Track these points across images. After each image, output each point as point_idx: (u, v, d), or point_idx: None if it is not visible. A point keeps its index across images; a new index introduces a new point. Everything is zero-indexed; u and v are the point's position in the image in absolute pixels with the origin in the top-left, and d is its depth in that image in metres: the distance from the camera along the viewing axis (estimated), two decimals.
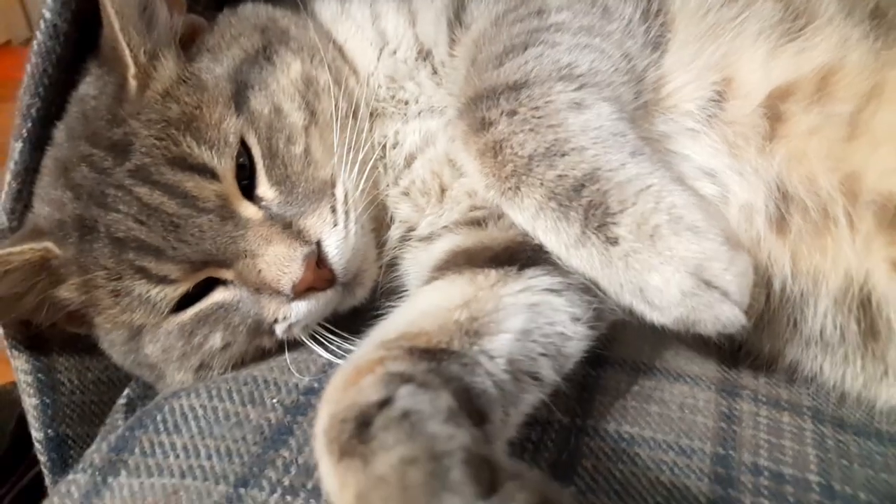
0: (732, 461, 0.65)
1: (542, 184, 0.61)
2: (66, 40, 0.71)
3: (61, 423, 0.76)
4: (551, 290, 0.64)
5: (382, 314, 0.69)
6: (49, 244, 0.69)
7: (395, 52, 0.82)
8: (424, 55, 0.82)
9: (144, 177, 0.66)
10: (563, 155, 0.61)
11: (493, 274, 0.65)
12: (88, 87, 0.72)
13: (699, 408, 0.71)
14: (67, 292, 0.71)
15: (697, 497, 0.61)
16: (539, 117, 0.63)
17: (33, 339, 0.76)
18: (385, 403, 0.46)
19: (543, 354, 0.61)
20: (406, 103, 0.81)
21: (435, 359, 0.55)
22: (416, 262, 0.77)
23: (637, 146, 0.63)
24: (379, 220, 0.79)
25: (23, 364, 0.75)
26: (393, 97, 0.81)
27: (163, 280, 0.68)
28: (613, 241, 0.58)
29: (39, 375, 0.75)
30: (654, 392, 0.72)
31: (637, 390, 0.72)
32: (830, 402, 0.74)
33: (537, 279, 0.65)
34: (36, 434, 0.75)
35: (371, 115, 0.80)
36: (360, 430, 0.45)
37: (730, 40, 0.75)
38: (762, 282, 0.73)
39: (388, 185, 0.79)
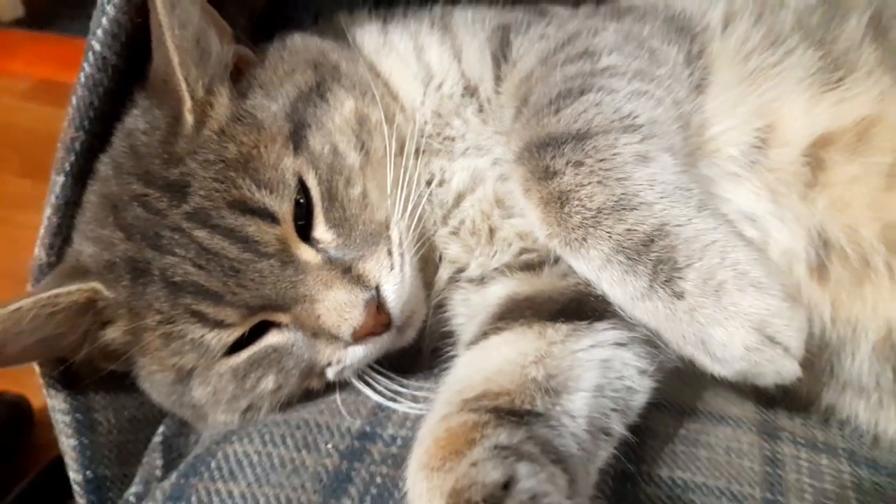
0: None
1: (609, 237, 0.61)
2: (114, 72, 0.68)
3: (99, 463, 0.74)
4: (619, 344, 0.65)
5: (437, 358, 0.69)
6: (97, 285, 0.67)
7: (440, 87, 0.81)
8: (471, 92, 0.81)
9: (203, 220, 0.65)
10: (631, 209, 0.61)
11: (563, 328, 0.65)
12: (137, 120, 0.70)
13: (744, 451, 0.72)
14: (114, 334, 0.69)
15: None
16: (607, 169, 0.63)
17: (70, 378, 0.73)
18: (508, 484, 0.46)
19: (614, 409, 0.62)
20: (453, 140, 0.80)
21: (524, 422, 0.55)
22: (466, 304, 0.77)
23: (702, 200, 0.63)
24: (427, 260, 0.78)
25: (60, 404, 0.72)
26: (439, 134, 0.80)
27: (219, 324, 0.66)
28: (679, 295, 0.59)
29: (77, 415, 0.73)
30: (700, 435, 0.73)
31: (684, 434, 0.73)
32: (864, 444, 0.76)
33: (606, 333, 0.65)
34: (74, 476, 0.73)
35: (417, 151, 0.79)
36: None
37: (773, 86, 0.77)
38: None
39: (436, 224, 0.78)
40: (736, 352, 0.58)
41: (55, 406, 0.73)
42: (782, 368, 0.59)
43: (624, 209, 0.61)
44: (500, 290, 0.74)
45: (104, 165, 0.71)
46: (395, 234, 0.71)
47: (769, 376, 0.60)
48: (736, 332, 0.58)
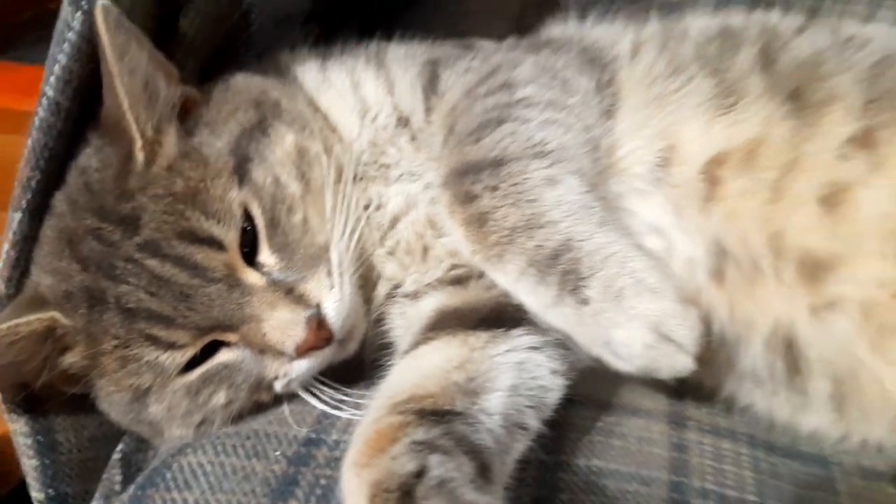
0: (685, 487, 0.75)
1: (522, 252, 0.68)
2: (66, 116, 0.74)
3: (61, 481, 0.78)
4: (533, 348, 0.73)
5: (378, 368, 0.76)
6: (55, 314, 0.72)
7: (375, 119, 0.89)
8: (403, 122, 0.88)
9: (154, 250, 0.70)
10: (540, 227, 0.69)
11: (483, 336, 0.73)
12: (90, 158, 0.75)
13: (654, 440, 0.80)
14: (72, 358, 0.74)
15: None
16: (519, 192, 0.70)
17: (31, 402, 0.78)
18: (421, 473, 0.54)
19: (529, 406, 0.70)
20: (388, 167, 0.87)
21: (444, 420, 0.63)
22: (403, 317, 0.84)
23: (603, 217, 0.71)
24: (366, 279, 0.85)
25: (22, 427, 0.77)
26: (375, 162, 0.87)
27: (172, 346, 0.72)
28: (584, 302, 0.66)
29: (38, 437, 0.77)
30: (615, 427, 0.81)
31: (601, 426, 0.81)
32: (761, 428, 0.86)
33: (521, 338, 0.73)
34: (36, 494, 0.77)
35: (355, 178, 0.86)
36: (404, 499, 0.52)
37: (673, 111, 0.85)
38: (704, 327, 0.83)
39: (373, 245, 0.85)
40: (636, 350, 0.66)
41: (17, 429, 0.77)
42: (677, 363, 0.67)
43: (534, 227, 0.69)
44: (432, 303, 0.81)
45: (59, 202, 0.75)
46: (334, 255, 0.77)
47: (666, 370, 0.67)
48: (635, 333, 0.65)
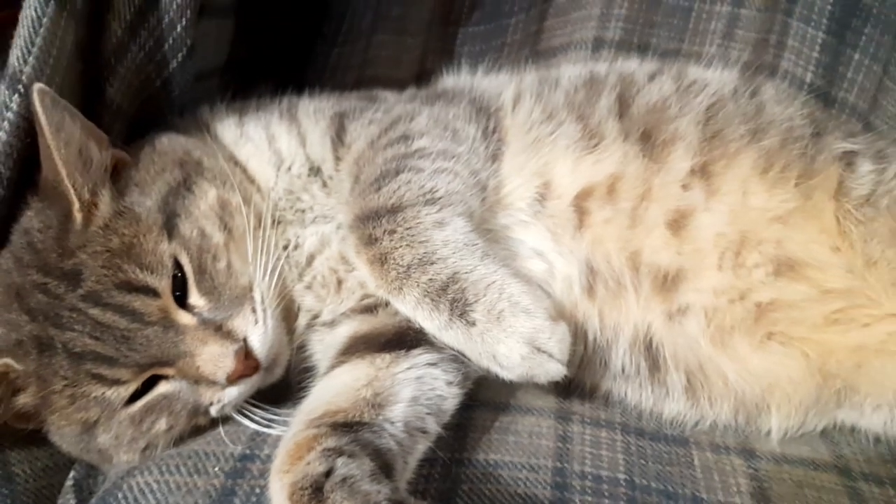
0: (566, 471, 0.89)
1: (418, 285, 0.81)
2: (9, 184, 0.83)
3: None
4: (430, 364, 0.86)
5: (302, 389, 0.88)
6: (8, 360, 0.80)
7: (290, 169, 1.00)
8: (315, 171, 1.00)
9: (96, 300, 0.79)
10: (431, 263, 0.82)
11: (387, 357, 0.85)
12: (32, 220, 0.84)
13: (543, 433, 0.94)
14: (25, 399, 0.82)
15: (543, 501, 0.85)
16: (412, 235, 0.83)
17: None
18: (329, 472, 0.66)
19: (428, 413, 0.82)
20: (303, 211, 0.99)
21: (352, 430, 0.75)
22: (322, 343, 0.96)
23: (485, 251, 0.84)
24: (288, 311, 0.96)
25: None
26: (292, 207, 0.99)
27: (116, 382, 0.81)
28: (472, 323, 0.80)
29: None
30: (510, 425, 0.94)
31: (498, 425, 0.94)
32: (633, 417, 1.01)
33: (420, 357, 0.86)
34: None
35: (273, 222, 0.97)
36: (315, 494, 0.65)
37: (548, 152, 1.00)
38: (580, 335, 0.98)
39: (293, 281, 0.97)
40: (515, 361, 0.79)
41: None
42: (549, 370, 0.81)
43: (426, 264, 0.81)
44: (346, 331, 0.93)
45: (5, 259, 0.84)
46: (257, 294, 0.88)
47: (542, 376, 0.81)
48: (514, 347, 0.79)
